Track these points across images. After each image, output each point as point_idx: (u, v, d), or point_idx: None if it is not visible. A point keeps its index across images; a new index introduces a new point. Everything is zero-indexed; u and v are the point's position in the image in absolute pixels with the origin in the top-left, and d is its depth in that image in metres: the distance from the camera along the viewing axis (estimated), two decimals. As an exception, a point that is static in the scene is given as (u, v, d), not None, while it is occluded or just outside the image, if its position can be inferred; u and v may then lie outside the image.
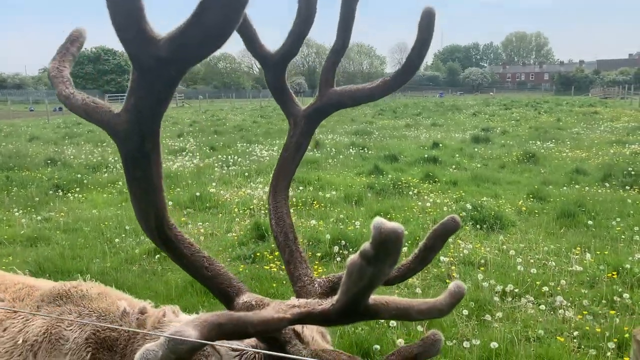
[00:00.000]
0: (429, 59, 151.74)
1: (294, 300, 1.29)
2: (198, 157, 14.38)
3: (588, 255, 5.93)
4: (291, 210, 6.76)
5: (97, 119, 1.17)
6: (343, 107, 1.74)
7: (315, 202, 8.81)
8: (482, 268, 5.74)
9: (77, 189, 10.06)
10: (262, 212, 8.24)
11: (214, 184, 10.42)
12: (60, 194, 9.68)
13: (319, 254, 6.21)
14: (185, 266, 1.50)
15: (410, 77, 1.59)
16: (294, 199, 8.82)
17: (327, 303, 1.15)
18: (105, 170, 12.38)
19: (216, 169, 12.27)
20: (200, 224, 7.50)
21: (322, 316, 1.16)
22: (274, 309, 1.22)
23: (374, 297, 1.13)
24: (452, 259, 6.02)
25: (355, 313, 1.13)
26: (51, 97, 68.80)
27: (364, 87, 1.69)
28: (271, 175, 1.82)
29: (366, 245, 0.88)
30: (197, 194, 9.02)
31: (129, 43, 0.96)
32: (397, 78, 1.62)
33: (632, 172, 10.19)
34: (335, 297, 1.10)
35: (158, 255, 6.15)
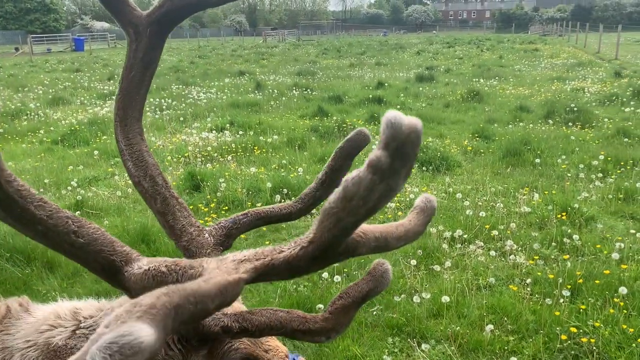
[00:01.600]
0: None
1: (236, 254, 0.89)
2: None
3: (536, 196, 5.80)
4: (229, 157, 6.22)
5: None
6: (204, 7, 1.32)
7: (255, 148, 8.30)
8: (430, 213, 5.50)
9: (-8, 139, 9.10)
10: (198, 159, 7.68)
11: (145, 129, 9.66)
12: (-30, 145, 8.72)
13: (259, 204, 5.78)
14: (42, 234, 1.00)
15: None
16: (233, 145, 8.29)
17: (291, 247, 0.87)
18: (25, 117, 11.28)
19: (148, 113, 11.40)
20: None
21: (288, 265, 0.87)
22: (221, 269, 0.82)
23: None
24: (398, 204, 5.75)
25: (334, 253, 0.87)
26: (-33, 38, 63.13)
27: None
28: (115, 105, 1.36)
29: (378, 153, 0.66)
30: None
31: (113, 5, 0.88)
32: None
33: (575, 109, 10.20)
34: (307, 237, 0.84)
35: (79, 212, 5.55)
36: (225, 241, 1.30)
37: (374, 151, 0.67)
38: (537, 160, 7.18)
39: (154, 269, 1.00)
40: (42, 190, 6.33)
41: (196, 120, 10.80)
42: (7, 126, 10.21)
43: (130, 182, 6.10)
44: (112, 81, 18.33)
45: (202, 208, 5.68)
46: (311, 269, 0.91)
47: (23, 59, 33.99)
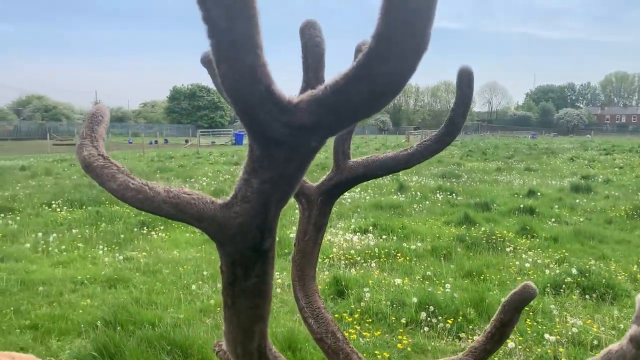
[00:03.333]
0: (520, 98, 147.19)
1: None
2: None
3: None
4: (372, 264, 6.20)
5: (194, 214, 0.78)
6: (367, 180, 1.41)
7: (399, 255, 8.23)
8: (597, 353, 4.88)
9: (162, 227, 10.15)
10: (343, 262, 7.79)
11: (294, 227, 10.13)
12: (145, 231, 9.79)
13: (403, 320, 5.61)
14: None
15: (454, 138, 1.33)
16: (376, 249, 8.31)
17: None
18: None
19: (296, 211, 11.98)
20: (278, 273, 7.16)
21: None
22: None
23: None
24: (558, 337, 5.21)
25: None
26: (149, 130, 73.46)
27: (397, 155, 1.36)
28: (292, 266, 1.45)
29: (638, 329, 0.76)
30: (277, 238, 8.73)
31: (252, 110, 0.68)
32: (439, 140, 1.29)
33: None
34: None
35: (232, 309, 5.84)
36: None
37: (634, 327, 0.76)
38: None
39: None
40: (201, 282, 6.83)
41: (341, 220, 11.10)
42: (175, 214, 11.38)
43: (278, 281, 6.34)
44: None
45: (347, 318, 5.66)
46: None
47: (191, 150, 38.40)
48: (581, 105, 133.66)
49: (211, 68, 1.19)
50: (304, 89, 1.26)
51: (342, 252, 8.20)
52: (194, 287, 6.63)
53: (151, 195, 0.72)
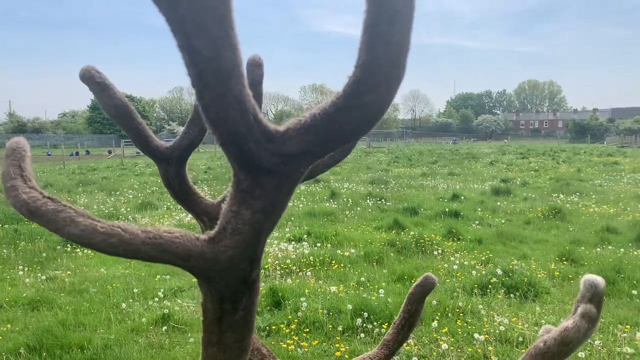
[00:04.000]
0: (441, 106, 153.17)
1: None
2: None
3: (638, 334, 5.36)
4: (308, 272, 6.23)
5: (179, 254, 0.72)
6: None
7: (333, 262, 8.33)
8: (523, 350, 5.18)
9: (86, 243, 9.67)
10: (278, 272, 7.78)
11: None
12: (69, 249, 9.31)
13: (340, 328, 5.69)
14: None
15: (353, 147, 1.36)
16: (311, 258, 8.37)
17: None
18: (117, 221, 12.01)
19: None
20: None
21: None
22: None
23: None
24: (487, 336, 5.47)
25: None
26: (69, 141, 69.89)
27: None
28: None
29: (587, 306, 0.90)
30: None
31: (241, 140, 0.66)
32: (340, 150, 1.36)
33: (670, 233, 9.61)
34: None
35: (166, 327, 5.68)
36: None
37: (584, 305, 0.88)
38: (634, 292, 6.70)
39: None
40: (131, 300, 6.58)
41: (277, 229, 11.07)
42: (100, 229, 10.89)
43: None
44: (196, 185, 19.27)
45: (284, 329, 5.66)
46: None
47: (115, 161, 36.91)
48: (498, 112, 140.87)
49: (95, 85, 1.10)
50: None
51: (277, 262, 8.19)
52: (124, 305, 6.39)
53: (127, 238, 0.66)
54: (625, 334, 5.48)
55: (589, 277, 0.93)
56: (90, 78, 1.06)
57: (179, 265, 0.70)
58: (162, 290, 6.78)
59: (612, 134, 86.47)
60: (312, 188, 18.71)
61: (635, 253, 9.01)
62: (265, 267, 7.99)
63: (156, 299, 6.52)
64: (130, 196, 16.57)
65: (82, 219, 0.66)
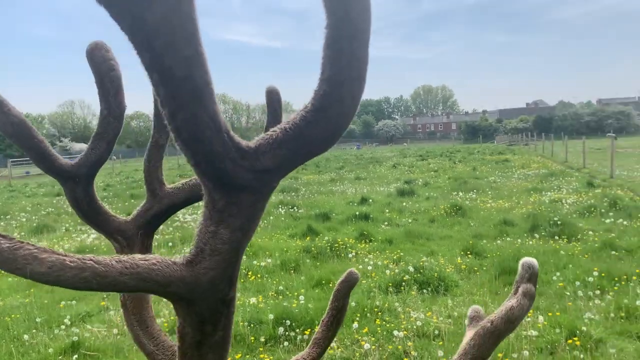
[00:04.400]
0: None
1: None
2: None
3: (541, 318, 5.79)
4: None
5: (159, 281, 0.68)
6: (191, 204, 1.38)
7: (250, 273, 8.23)
8: (441, 342, 5.42)
9: (-25, 274, 8.82)
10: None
11: (136, 258, 9.51)
12: (-46, 281, 8.41)
13: (262, 339, 5.62)
14: None
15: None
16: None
17: None
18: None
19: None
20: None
21: None
22: None
23: None
24: (405, 332, 5.65)
25: None
26: (-55, 162, 63.21)
27: None
28: (122, 311, 1.34)
29: (527, 285, 1.00)
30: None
31: (216, 159, 0.65)
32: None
33: (559, 222, 10.51)
34: (468, 355, 1.01)
35: (76, 355, 5.30)
36: None
37: (524, 285, 0.99)
38: (533, 278, 7.24)
39: None
40: (35, 330, 6.07)
41: (185, 245, 10.74)
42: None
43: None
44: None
45: (205, 345, 5.48)
46: None
47: (2, 182, 34.00)
48: (397, 117, 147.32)
49: None
50: (105, 116, 1.18)
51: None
52: (26, 337, 5.86)
53: (102, 270, 0.61)
54: (529, 319, 5.90)
55: (526, 259, 1.03)
56: None
57: (158, 292, 0.67)
58: (68, 316, 6.32)
59: (501, 133, 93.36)
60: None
61: (531, 242, 9.76)
62: (180, 283, 7.71)
63: (63, 327, 6.06)
64: (24, 219, 15.33)
65: (47, 254, 0.60)
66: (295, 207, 15.34)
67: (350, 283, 1.29)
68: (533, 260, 1.03)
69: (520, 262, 1.03)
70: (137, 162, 61.97)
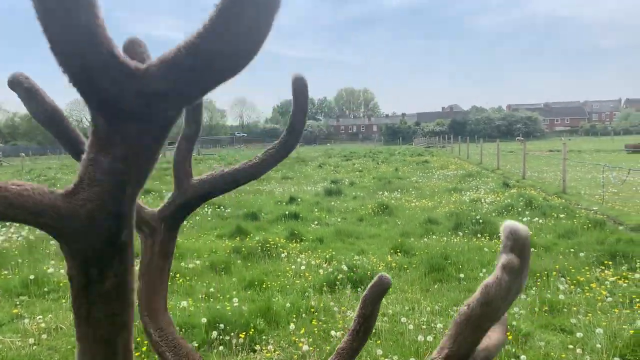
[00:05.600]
0: (268, 112, 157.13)
1: None
2: (27, 228, 12.35)
3: (471, 313, 5.94)
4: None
5: (29, 208, 0.62)
6: (214, 197, 1.40)
7: (177, 275, 7.88)
8: (379, 341, 5.42)
9: None
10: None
11: (52, 261, 8.85)
12: None
13: (195, 343, 5.36)
14: None
15: (297, 142, 1.36)
16: (152, 273, 7.80)
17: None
18: None
19: (51, 242, 10.56)
20: (40, 316, 6.15)
21: None
22: None
23: None
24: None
25: None
26: None
27: (244, 167, 1.39)
28: (140, 298, 1.31)
29: (508, 257, 0.77)
30: (32, 276, 7.51)
31: (95, 79, 0.59)
32: (284, 146, 1.33)
33: (480, 220, 10.95)
34: (441, 353, 0.84)
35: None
36: None
37: (504, 256, 0.77)
38: (461, 275, 7.47)
39: None
40: None
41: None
42: None
43: (42, 325, 5.46)
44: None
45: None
46: None
47: None
48: (321, 118, 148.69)
49: (24, 91, 1.02)
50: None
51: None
52: None
53: None
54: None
55: (508, 223, 0.80)
56: (19, 84, 1.01)
57: (30, 222, 0.61)
58: (-26, 328, 5.74)
59: (419, 135, 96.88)
60: (143, 199, 17.61)
61: (456, 240, 10.09)
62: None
63: (-32, 340, 5.49)
64: None
65: None
66: (222, 207, 14.98)
67: (381, 288, 1.16)
68: (517, 224, 0.80)
69: (502, 226, 0.80)
70: (50, 159, 58.34)
